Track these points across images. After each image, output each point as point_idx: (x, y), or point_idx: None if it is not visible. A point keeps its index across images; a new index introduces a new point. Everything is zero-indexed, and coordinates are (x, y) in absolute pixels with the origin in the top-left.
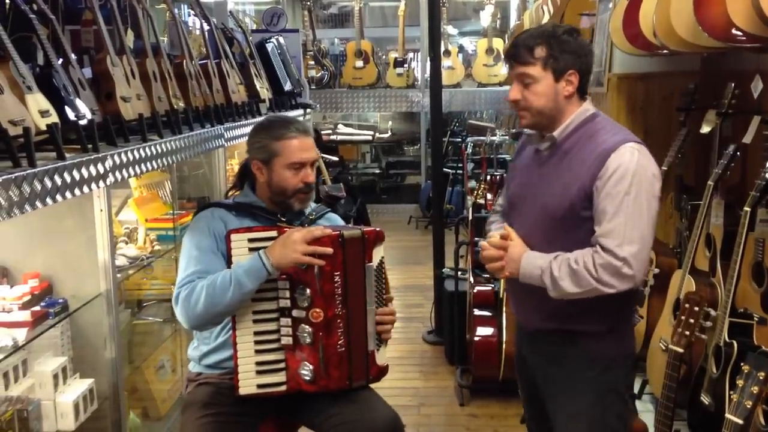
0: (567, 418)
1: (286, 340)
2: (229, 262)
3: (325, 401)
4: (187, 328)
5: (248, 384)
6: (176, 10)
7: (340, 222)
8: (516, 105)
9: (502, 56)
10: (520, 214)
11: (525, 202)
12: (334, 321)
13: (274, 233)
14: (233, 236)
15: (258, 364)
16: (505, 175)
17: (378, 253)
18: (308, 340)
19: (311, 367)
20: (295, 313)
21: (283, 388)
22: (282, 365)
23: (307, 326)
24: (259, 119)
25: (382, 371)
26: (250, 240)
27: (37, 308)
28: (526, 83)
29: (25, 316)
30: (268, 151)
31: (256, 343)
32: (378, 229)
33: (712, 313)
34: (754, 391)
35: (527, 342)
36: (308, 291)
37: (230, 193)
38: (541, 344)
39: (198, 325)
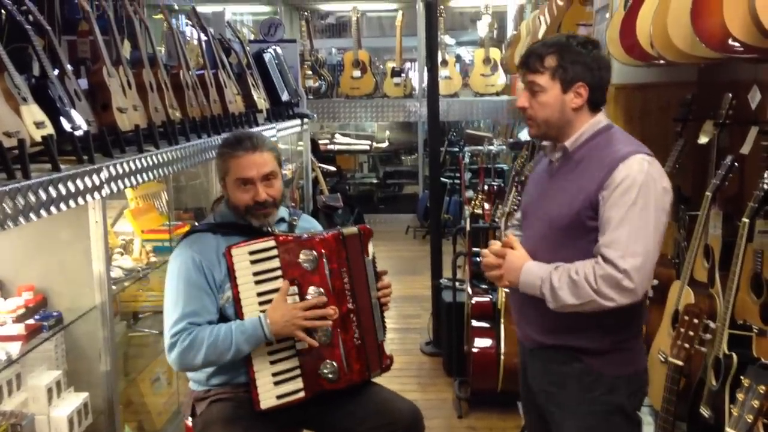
0: None
1: (302, 345)
2: (232, 279)
3: (342, 400)
4: (177, 371)
5: (268, 396)
6: (174, 21)
7: (315, 222)
8: (524, 112)
9: (499, 66)
10: (530, 225)
11: (535, 212)
12: (347, 316)
13: (272, 242)
14: (234, 251)
15: (274, 375)
16: (502, 185)
17: (371, 248)
18: (327, 339)
19: (335, 365)
20: None
21: (302, 394)
22: (298, 372)
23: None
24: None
25: (391, 361)
26: (251, 253)
27: (31, 321)
28: (534, 91)
29: (19, 329)
30: (221, 169)
31: (270, 353)
32: (367, 225)
33: (712, 325)
34: (755, 405)
35: (529, 360)
36: (321, 290)
37: (215, 206)
38: (542, 362)
39: (188, 372)
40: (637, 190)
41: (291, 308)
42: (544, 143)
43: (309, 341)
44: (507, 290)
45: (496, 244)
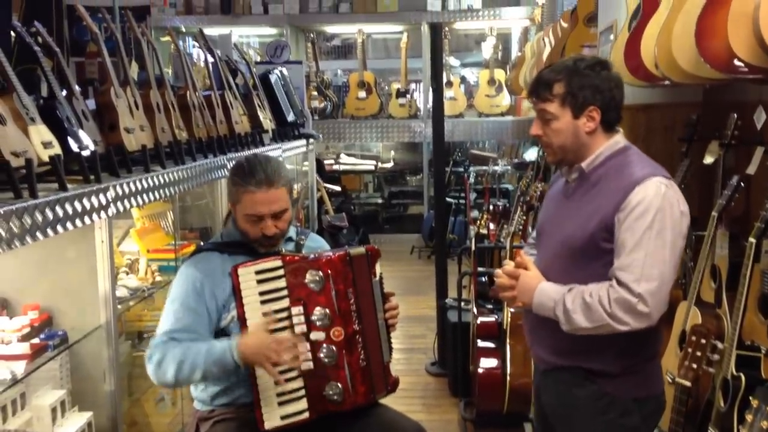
0: None
1: (307, 366)
2: (237, 298)
3: (346, 420)
4: (157, 384)
5: (272, 417)
6: (181, 43)
7: (323, 242)
8: (539, 139)
9: (504, 87)
10: (544, 245)
11: (549, 232)
12: (353, 337)
13: (279, 262)
14: (240, 270)
15: (279, 395)
16: (507, 205)
17: (379, 269)
18: (332, 361)
19: (340, 386)
20: (313, 336)
21: (306, 415)
22: (302, 392)
23: (330, 346)
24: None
25: (396, 382)
26: (258, 272)
27: (36, 340)
28: (546, 119)
29: (24, 348)
30: (231, 195)
31: None
32: (374, 245)
33: (719, 345)
34: (764, 426)
35: (542, 382)
36: (327, 311)
37: (227, 221)
38: (556, 384)
39: (166, 386)
40: (653, 214)
41: (264, 340)
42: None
43: (273, 373)
44: (513, 310)
45: (509, 265)
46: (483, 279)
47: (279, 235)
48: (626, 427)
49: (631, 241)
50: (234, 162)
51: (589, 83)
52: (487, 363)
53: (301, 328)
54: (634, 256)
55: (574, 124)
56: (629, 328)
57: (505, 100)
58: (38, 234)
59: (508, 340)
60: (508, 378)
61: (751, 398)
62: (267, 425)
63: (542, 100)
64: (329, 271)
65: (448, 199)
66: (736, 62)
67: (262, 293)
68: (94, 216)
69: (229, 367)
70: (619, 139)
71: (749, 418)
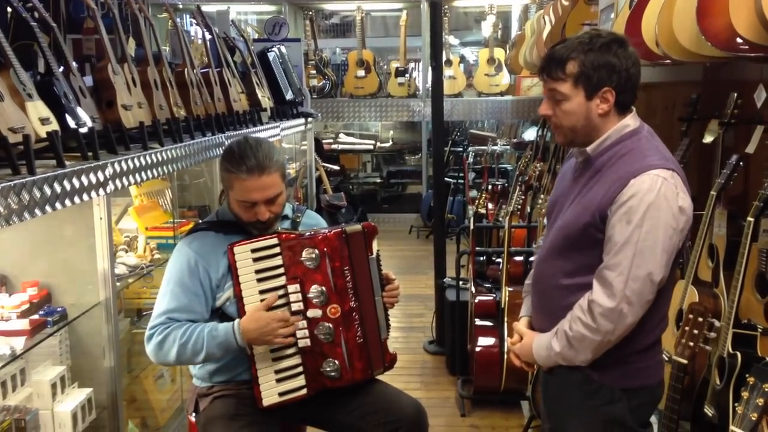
0: None
1: (304, 343)
2: (234, 277)
3: (345, 397)
4: (155, 363)
5: (270, 394)
6: (178, 19)
7: (319, 218)
8: (549, 120)
9: (504, 66)
10: (550, 225)
11: (554, 214)
12: (350, 314)
13: (275, 240)
14: (236, 249)
15: (277, 372)
16: (505, 184)
17: (376, 246)
18: (329, 338)
19: (337, 363)
20: (310, 313)
21: (304, 391)
22: (300, 369)
23: (327, 324)
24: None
25: (394, 359)
26: (254, 251)
27: (35, 317)
28: (556, 99)
29: (24, 324)
30: (224, 182)
31: (272, 351)
32: (371, 222)
33: (716, 323)
34: (760, 403)
35: None
36: (323, 288)
37: (221, 198)
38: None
39: (164, 365)
40: (644, 211)
41: (265, 319)
42: None
43: (286, 342)
44: (510, 289)
45: (509, 342)
46: (481, 258)
47: (273, 218)
48: (610, 414)
49: (620, 239)
50: (226, 145)
51: (604, 62)
52: (485, 341)
53: (297, 306)
54: (622, 255)
55: (586, 105)
56: (617, 337)
57: (504, 79)
58: (36, 210)
59: (505, 319)
60: (505, 356)
61: (747, 376)
62: (265, 402)
63: (554, 79)
64: (325, 249)
65: (446, 179)
66: (738, 40)
67: (258, 271)
68: (93, 193)
69: (232, 349)
70: (628, 122)
71: (745, 395)
